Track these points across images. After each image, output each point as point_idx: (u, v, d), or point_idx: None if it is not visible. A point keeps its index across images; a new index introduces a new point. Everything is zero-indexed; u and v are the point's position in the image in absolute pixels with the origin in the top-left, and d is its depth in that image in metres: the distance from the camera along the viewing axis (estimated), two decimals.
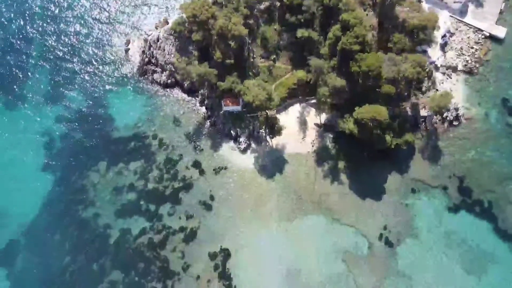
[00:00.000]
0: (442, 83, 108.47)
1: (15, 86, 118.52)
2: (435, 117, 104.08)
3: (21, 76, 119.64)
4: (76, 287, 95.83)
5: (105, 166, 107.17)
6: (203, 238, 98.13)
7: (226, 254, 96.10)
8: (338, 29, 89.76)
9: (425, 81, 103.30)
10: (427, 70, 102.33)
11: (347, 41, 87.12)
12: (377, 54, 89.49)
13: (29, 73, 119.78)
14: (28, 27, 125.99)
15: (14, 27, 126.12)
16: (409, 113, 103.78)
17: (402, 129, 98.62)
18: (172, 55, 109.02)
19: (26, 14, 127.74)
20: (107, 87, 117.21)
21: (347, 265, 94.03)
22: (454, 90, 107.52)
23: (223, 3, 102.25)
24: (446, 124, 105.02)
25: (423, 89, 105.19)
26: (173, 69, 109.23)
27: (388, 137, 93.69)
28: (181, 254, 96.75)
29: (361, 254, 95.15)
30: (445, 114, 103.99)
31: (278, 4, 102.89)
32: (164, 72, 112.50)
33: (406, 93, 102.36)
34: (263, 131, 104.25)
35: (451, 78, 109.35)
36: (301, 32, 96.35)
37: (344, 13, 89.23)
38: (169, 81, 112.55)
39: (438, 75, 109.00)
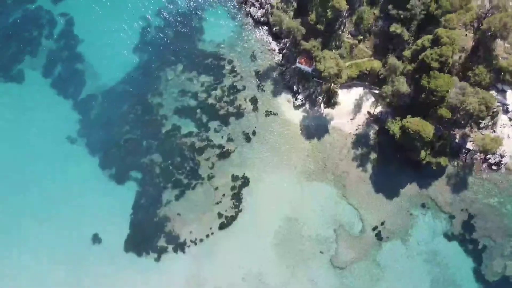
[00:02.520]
0: (504, 127, 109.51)
1: None
2: (478, 154, 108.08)
3: None
4: (125, 152, 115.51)
5: (181, 69, 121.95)
6: (233, 161, 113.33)
7: (245, 181, 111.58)
8: (428, 40, 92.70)
9: (487, 119, 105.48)
10: (494, 110, 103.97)
11: (430, 55, 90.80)
12: (450, 78, 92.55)
13: None
14: None
15: None
16: (456, 140, 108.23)
17: (441, 151, 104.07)
18: None
19: None
20: (210, 1, 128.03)
21: (336, 235, 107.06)
22: None
23: None
24: (484, 165, 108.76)
25: (481, 125, 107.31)
26: (269, 11, 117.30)
27: (423, 153, 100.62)
28: (211, 165, 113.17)
29: (352, 233, 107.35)
30: (488, 156, 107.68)
31: None
32: (260, 9, 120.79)
33: (462, 122, 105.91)
34: (321, 98, 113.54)
35: None
36: (395, 27, 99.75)
37: (442, 28, 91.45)
38: (262, 19, 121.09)
39: (503, 118, 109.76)
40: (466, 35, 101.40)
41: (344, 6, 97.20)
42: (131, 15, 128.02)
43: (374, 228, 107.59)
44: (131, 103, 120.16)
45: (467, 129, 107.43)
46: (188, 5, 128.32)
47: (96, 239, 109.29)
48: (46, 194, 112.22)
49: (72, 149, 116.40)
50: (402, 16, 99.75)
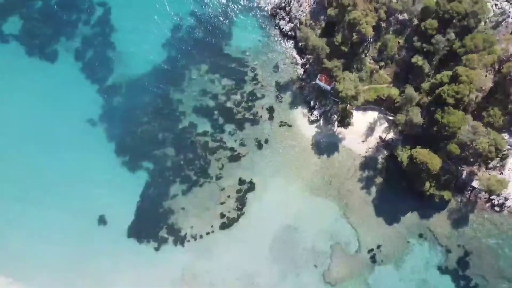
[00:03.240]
0: None
1: None
2: (482, 193, 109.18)
3: None
4: (140, 142, 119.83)
5: (205, 69, 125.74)
6: (243, 165, 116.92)
7: (252, 186, 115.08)
8: (447, 76, 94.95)
9: (496, 160, 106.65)
10: (504, 153, 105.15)
11: (447, 91, 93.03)
12: (464, 116, 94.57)
13: None
14: None
15: None
16: (463, 176, 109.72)
17: (446, 185, 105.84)
18: (304, 14, 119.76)
19: None
20: (240, 8, 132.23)
21: (332, 251, 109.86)
22: None
23: None
24: (488, 205, 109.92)
25: (490, 165, 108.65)
26: (298, 26, 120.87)
27: (428, 184, 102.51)
28: (221, 166, 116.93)
29: (347, 251, 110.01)
30: (493, 196, 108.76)
31: (415, 22, 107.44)
32: (289, 23, 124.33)
33: (471, 159, 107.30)
34: (335, 117, 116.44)
35: None
36: (416, 59, 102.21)
37: (462, 67, 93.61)
38: (289, 32, 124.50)
39: None
40: (486, 75, 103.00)
41: (370, 32, 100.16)
42: (164, 14, 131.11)
43: (370, 250, 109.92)
44: (153, 96, 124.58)
45: (475, 167, 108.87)
46: (219, 11, 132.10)
47: (102, 220, 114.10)
48: (59, 173, 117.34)
49: (91, 132, 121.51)
50: (425, 49, 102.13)
